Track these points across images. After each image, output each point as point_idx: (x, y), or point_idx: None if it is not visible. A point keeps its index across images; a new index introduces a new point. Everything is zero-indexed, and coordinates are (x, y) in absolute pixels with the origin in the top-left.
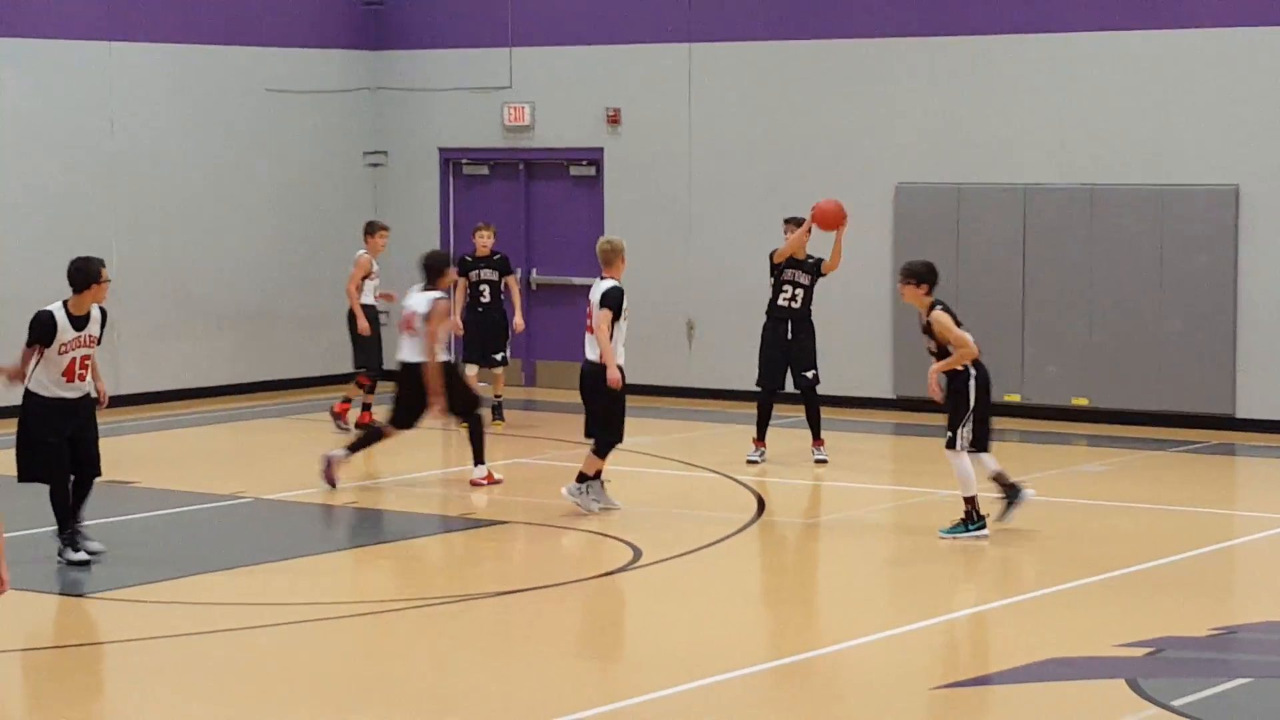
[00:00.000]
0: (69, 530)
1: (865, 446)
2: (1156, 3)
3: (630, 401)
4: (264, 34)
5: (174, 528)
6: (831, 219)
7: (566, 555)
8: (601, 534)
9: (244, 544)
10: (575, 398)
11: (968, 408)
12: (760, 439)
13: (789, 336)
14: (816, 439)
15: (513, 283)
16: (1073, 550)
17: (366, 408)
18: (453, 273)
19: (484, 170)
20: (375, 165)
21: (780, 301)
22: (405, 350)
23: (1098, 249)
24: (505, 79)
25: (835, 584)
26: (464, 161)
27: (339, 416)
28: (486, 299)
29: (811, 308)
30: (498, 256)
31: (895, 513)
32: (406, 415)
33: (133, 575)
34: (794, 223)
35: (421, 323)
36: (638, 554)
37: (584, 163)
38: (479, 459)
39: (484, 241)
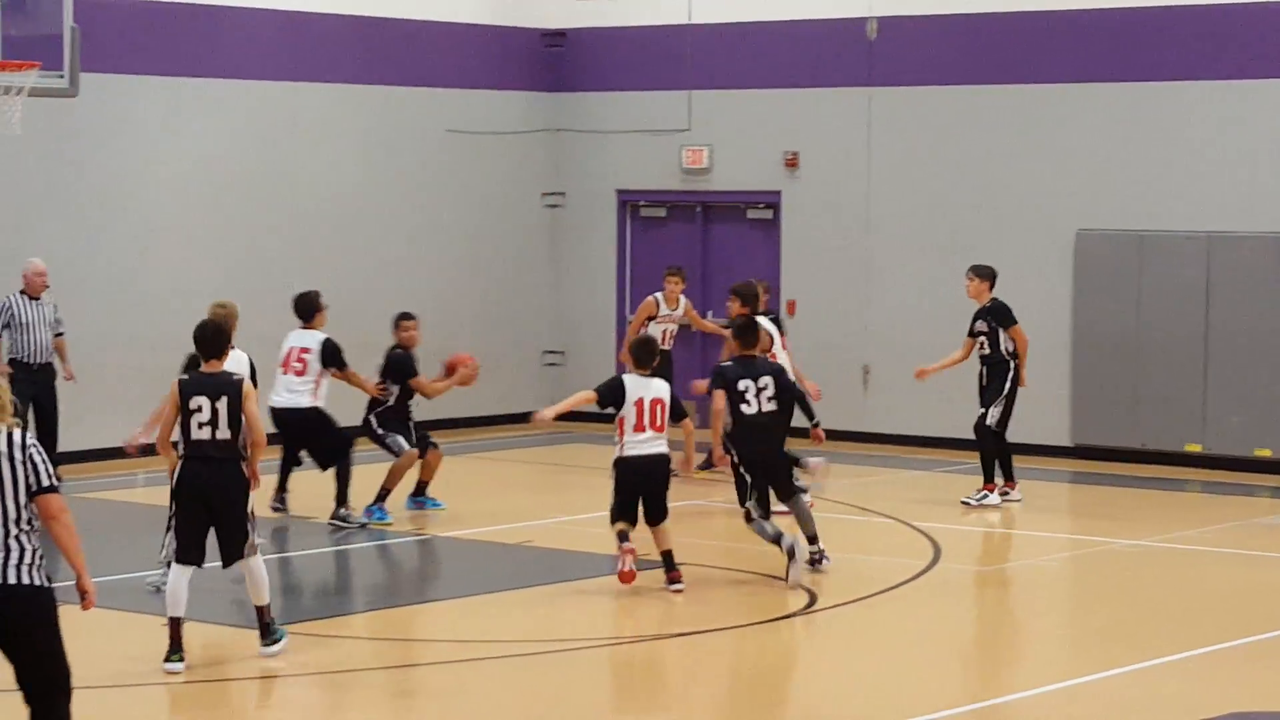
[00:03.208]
0: None
1: (1042, 494)
2: None
3: (804, 446)
4: (445, 76)
5: (353, 563)
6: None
7: (741, 599)
8: (776, 578)
9: (423, 580)
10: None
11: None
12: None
13: (983, 382)
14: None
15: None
16: (1252, 604)
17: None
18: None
19: (661, 212)
20: (553, 206)
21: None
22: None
23: None
24: (684, 121)
25: (1011, 632)
26: (641, 203)
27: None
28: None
29: (1000, 351)
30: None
31: (1073, 562)
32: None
33: (311, 609)
34: (976, 272)
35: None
36: (813, 599)
37: (761, 206)
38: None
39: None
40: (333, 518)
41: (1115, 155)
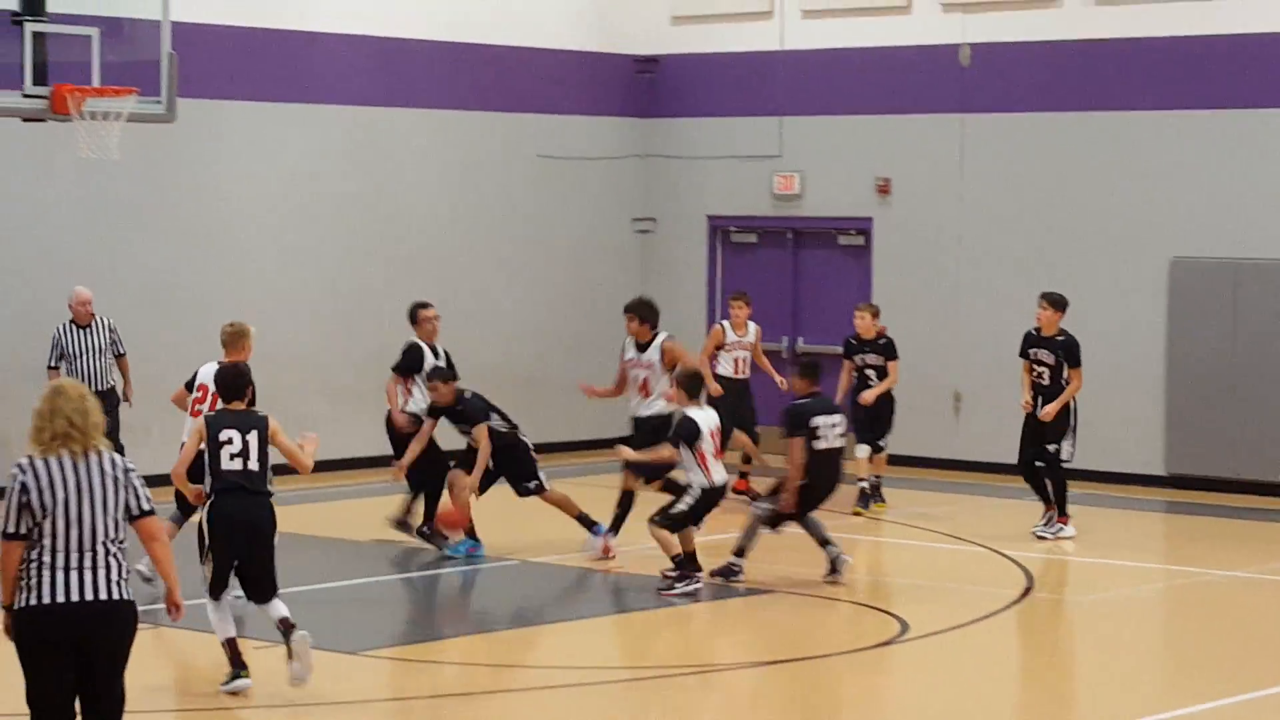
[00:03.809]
0: None
1: (1136, 524)
2: None
3: (895, 473)
4: (537, 101)
5: (444, 588)
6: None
7: (832, 627)
8: (868, 605)
9: (512, 606)
10: (766, 449)
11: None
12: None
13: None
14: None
15: (893, 369)
16: None
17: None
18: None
19: (752, 238)
20: (644, 232)
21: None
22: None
23: None
24: (775, 148)
25: (1106, 663)
26: (732, 229)
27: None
28: (873, 382)
29: (1059, 384)
30: (883, 341)
31: (1167, 593)
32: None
33: (402, 634)
34: (1050, 301)
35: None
36: (905, 627)
37: (853, 232)
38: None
39: (866, 323)
40: (417, 532)
41: (1211, 182)
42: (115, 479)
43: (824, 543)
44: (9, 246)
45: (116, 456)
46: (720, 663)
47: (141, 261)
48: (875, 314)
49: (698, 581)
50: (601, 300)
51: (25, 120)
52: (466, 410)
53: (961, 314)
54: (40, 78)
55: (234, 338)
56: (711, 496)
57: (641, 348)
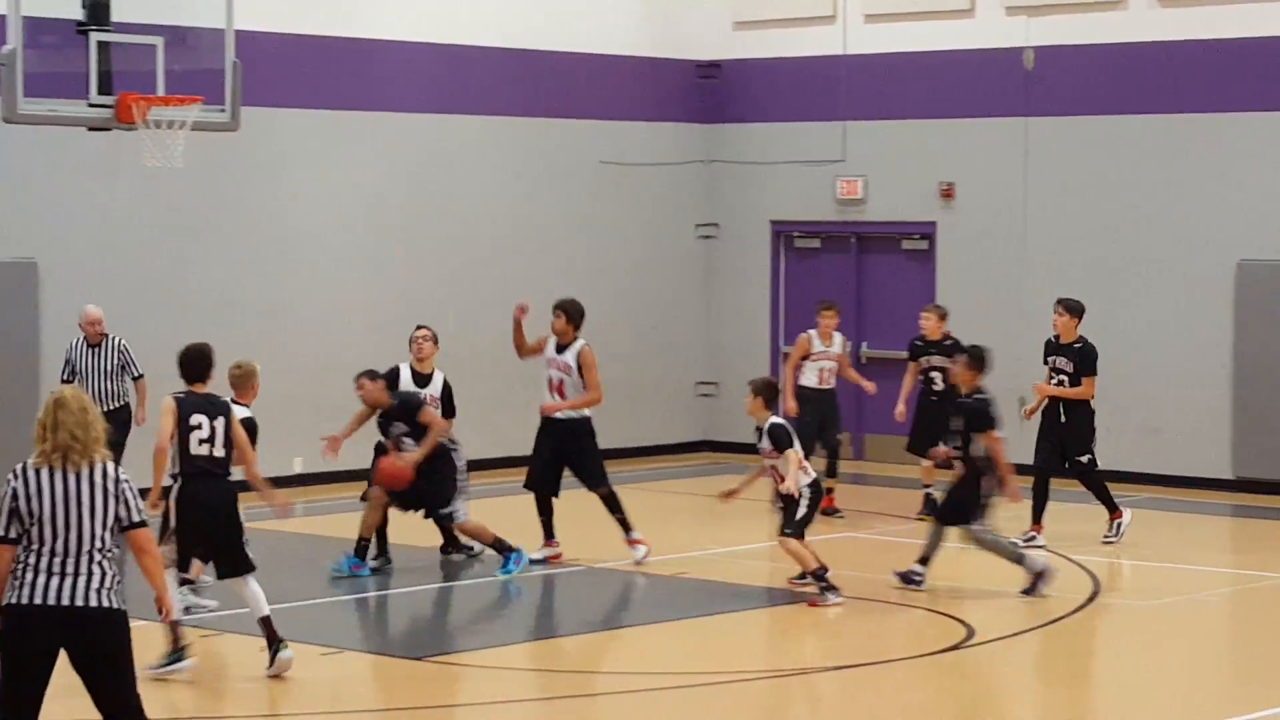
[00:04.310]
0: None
1: (1203, 527)
2: None
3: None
4: (599, 107)
5: (511, 593)
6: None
7: (899, 632)
8: (934, 611)
9: (580, 611)
10: (904, 472)
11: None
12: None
13: (1061, 419)
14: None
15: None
16: None
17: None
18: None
19: (815, 243)
20: (707, 238)
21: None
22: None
23: None
24: (838, 152)
25: (1169, 668)
26: (795, 234)
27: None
28: (939, 387)
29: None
30: (949, 342)
31: (1235, 596)
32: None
33: (468, 640)
34: (1066, 307)
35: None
36: (971, 632)
37: (916, 236)
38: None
39: (933, 324)
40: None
41: (1277, 184)
42: (105, 489)
43: (1018, 559)
44: (75, 255)
45: (110, 467)
46: (788, 667)
47: (205, 270)
48: (942, 315)
49: (836, 594)
50: (663, 306)
51: (91, 129)
52: (406, 402)
53: (1026, 318)
54: (105, 87)
55: (243, 379)
56: (816, 494)
57: (560, 348)
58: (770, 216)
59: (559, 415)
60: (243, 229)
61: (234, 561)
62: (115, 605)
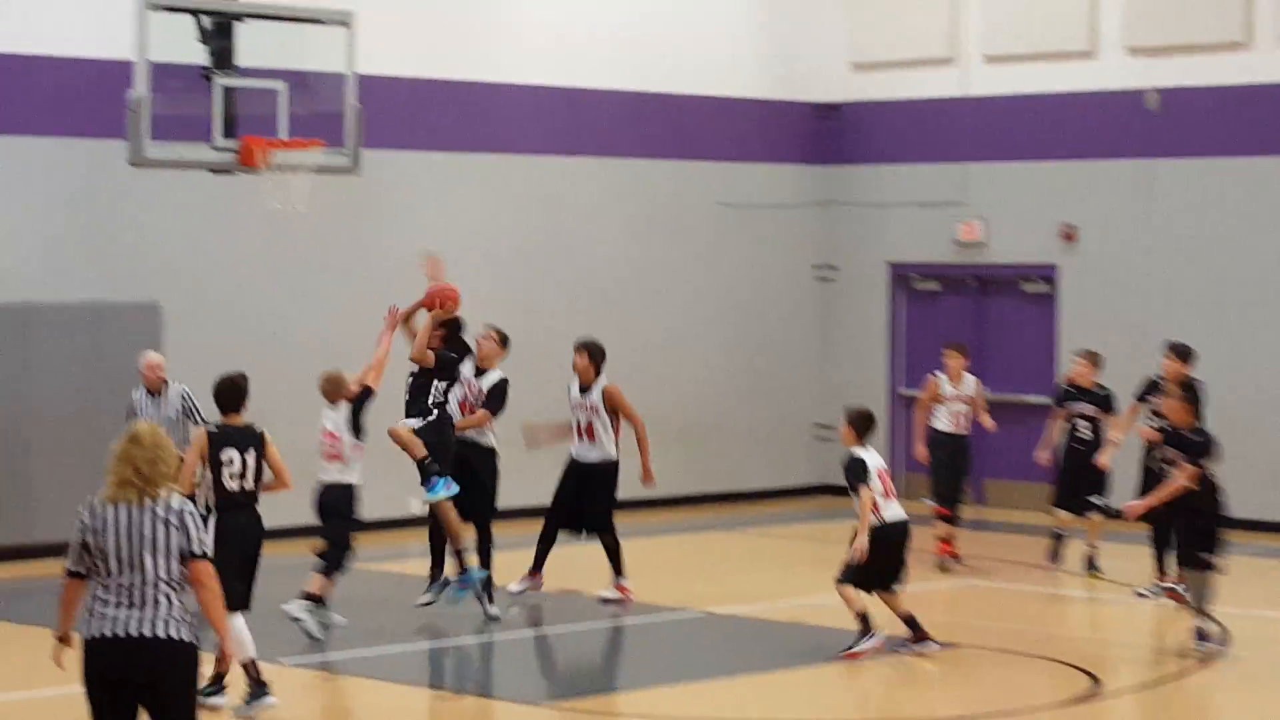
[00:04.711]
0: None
1: None
2: None
3: (1082, 523)
4: (717, 149)
5: (623, 639)
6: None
7: (1021, 682)
8: (1058, 660)
9: (693, 658)
10: (1029, 518)
11: None
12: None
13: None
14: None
15: (1115, 421)
16: None
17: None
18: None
19: (934, 285)
20: (824, 279)
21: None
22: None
23: None
24: (959, 194)
25: None
26: (914, 277)
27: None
28: (1087, 436)
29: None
30: (1101, 391)
31: None
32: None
33: (585, 685)
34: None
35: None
36: (1097, 684)
37: (1037, 279)
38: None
39: (1084, 371)
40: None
41: None
42: (167, 521)
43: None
44: (198, 297)
45: (175, 499)
46: (912, 717)
47: (326, 311)
48: (1096, 362)
49: (873, 638)
50: (780, 347)
51: (214, 172)
52: (448, 364)
53: (1150, 362)
54: (229, 131)
55: (331, 389)
56: (887, 536)
57: (584, 389)
58: (888, 258)
59: (589, 458)
60: (364, 271)
61: (245, 596)
62: (181, 636)
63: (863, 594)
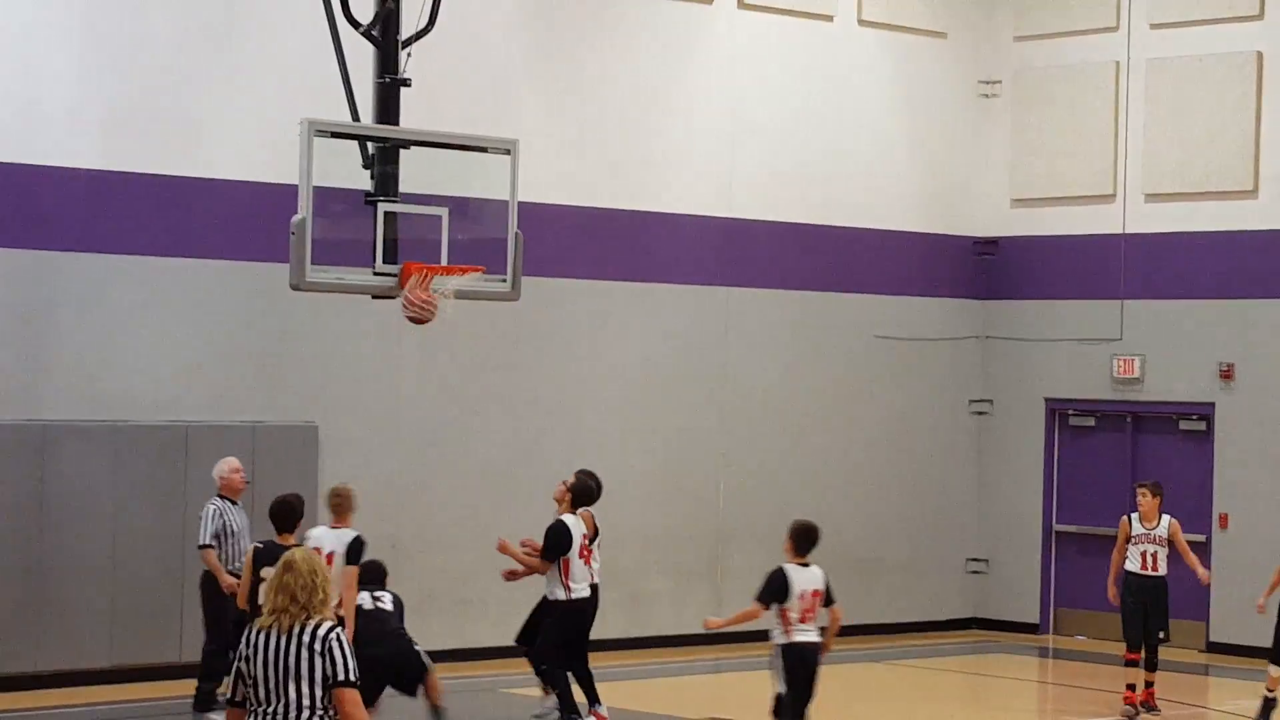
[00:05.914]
0: None
1: None
2: None
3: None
4: (875, 282)
5: None
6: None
7: None
8: None
9: None
10: (1102, 647)
11: None
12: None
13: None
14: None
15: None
16: None
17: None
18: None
19: (1090, 421)
20: (981, 414)
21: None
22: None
23: None
24: (1116, 331)
25: None
26: (1070, 412)
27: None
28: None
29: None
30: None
31: None
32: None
33: None
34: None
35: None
36: None
37: (1194, 417)
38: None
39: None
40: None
41: None
42: (313, 649)
43: None
44: (355, 420)
45: (323, 626)
46: None
47: (485, 437)
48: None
49: None
50: (936, 481)
51: (374, 297)
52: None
53: None
54: (390, 255)
55: (340, 504)
56: (794, 655)
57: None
58: (1045, 394)
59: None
60: (522, 397)
61: None
62: None
63: None
